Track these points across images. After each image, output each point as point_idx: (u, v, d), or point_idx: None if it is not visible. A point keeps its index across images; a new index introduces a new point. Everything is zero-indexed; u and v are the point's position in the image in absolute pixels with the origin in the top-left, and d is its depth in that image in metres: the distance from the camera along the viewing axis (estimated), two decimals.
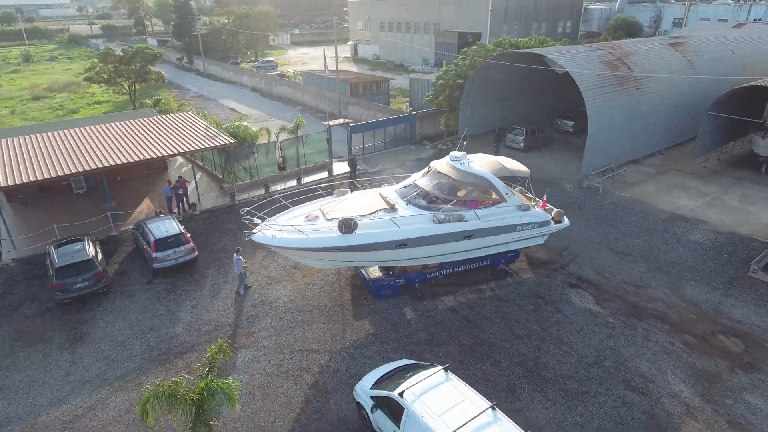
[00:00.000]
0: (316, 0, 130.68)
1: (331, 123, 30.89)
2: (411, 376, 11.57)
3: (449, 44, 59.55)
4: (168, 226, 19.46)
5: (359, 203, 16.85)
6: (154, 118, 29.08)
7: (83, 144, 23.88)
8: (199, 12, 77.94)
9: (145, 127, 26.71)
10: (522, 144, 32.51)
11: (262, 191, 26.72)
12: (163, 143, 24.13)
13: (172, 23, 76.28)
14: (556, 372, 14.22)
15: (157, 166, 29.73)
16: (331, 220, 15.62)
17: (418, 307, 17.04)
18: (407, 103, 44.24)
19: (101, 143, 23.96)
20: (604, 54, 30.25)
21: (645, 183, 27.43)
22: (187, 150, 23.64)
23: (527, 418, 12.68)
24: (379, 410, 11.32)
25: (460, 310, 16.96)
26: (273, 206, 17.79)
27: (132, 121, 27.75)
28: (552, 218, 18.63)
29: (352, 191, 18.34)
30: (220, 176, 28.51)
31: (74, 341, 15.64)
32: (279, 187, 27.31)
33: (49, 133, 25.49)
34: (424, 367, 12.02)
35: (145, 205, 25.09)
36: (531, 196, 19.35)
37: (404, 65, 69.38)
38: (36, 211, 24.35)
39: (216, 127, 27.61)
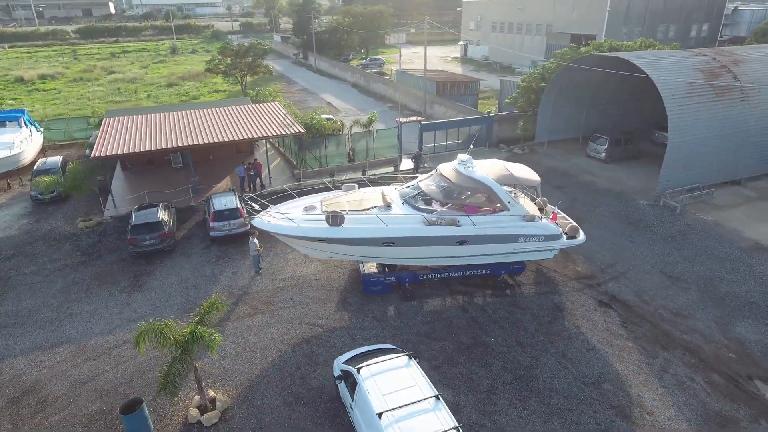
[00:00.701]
0: (434, 0, 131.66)
1: (402, 120, 31.78)
2: (378, 357, 12.18)
3: (560, 47, 56.90)
4: (228, 201, 21.92)
5: (358, 199, 17.36)
6: (248, 106, 32.38)
7: (185, 125, 27.55)
8: (320, 11, 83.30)
9: (238, 113, 29.89)
10: (603, 154, 30.56)
11: (327, 179, 28.53)
12: (244, 128, 26.96)
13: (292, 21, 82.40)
14: (546, 385, 13.77)
15: (245, 148, 33.06)
16: (325, 212, 16.21)
17: (426, 302, 17.37)
18: (496, 106, 43.55)
19: (198, 125, 27.45)
20: (706, 60, 27.23)
21: (736, 207, 24.39)
22: (258, 136, 26.17)
23: (496, 421, 12.58)
24: (342, 383, 12.13)
25: (472, 310, 16.97)
26: (279, 195, 19.18)
27: (229, 108, 31.25)
28: (565, 232, 17.59)
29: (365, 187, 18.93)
30: (294, 162, 30.95)
31: (133, 287, 18.55)
32: (344, 177, 28.91)
33: (164, 114, 29.73)
34: (398, 352, 12.55)
35: (225, 183, 28.21)
36: (548, 207, 18.42)
37: (512, 67, 67.68)
38: (139, 180, 28.65)
39: (294, 117, 30.01)
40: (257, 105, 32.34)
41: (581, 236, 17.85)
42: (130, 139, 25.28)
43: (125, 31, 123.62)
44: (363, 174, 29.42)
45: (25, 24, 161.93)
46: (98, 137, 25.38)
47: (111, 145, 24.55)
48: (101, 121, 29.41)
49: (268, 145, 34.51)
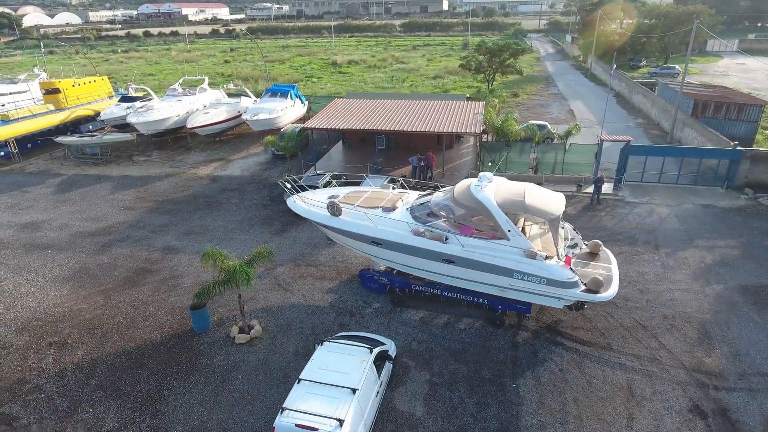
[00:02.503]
0: None
1: (606, 137, 28.07)
2: (354, 341, 13.03)
3: None
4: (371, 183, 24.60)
5: (374, 197, 17.54)
6: (458, 102, 34.07)
7: (395, 112, 31.17)
8: (615, 11, 75.70)
9: (442, 109, 31.88)
10: None
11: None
12: (432, 123, 28.82)
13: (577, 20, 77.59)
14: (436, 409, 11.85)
15: (448, 141, 34.90)
16: (330, 201, 16.99)
17: (476, 321, 16.35)
18: None
19: (404, 114, 30.60)
20: None
21: None
22: (434, 131, 27.79)
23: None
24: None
25: (522, 347, 15.26)
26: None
27: (439, 102, 33.59)
28: (584, 284, 14.28)
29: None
30: (478, 163, 31.28)
31: (279, 232, 23.21)
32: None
33: (386, 101, 34.26)
34: (375, 341, 13.33)
35: (404, 170, 30.86)
36: (603, 251, 16.18)
37: None
38: (346, 153, 34.04)
39: (491, 119, 30.17)
40: (464, 103, 33.67)
41: (606, 293, 14.24)
42: (343, 118, 30.39)
43: (439, 26, 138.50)
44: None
45: (375, 18, 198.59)
46: (319, 113, 31.44)
47: (324, 119, 30.22)
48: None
49: (473, 141, 35.64)
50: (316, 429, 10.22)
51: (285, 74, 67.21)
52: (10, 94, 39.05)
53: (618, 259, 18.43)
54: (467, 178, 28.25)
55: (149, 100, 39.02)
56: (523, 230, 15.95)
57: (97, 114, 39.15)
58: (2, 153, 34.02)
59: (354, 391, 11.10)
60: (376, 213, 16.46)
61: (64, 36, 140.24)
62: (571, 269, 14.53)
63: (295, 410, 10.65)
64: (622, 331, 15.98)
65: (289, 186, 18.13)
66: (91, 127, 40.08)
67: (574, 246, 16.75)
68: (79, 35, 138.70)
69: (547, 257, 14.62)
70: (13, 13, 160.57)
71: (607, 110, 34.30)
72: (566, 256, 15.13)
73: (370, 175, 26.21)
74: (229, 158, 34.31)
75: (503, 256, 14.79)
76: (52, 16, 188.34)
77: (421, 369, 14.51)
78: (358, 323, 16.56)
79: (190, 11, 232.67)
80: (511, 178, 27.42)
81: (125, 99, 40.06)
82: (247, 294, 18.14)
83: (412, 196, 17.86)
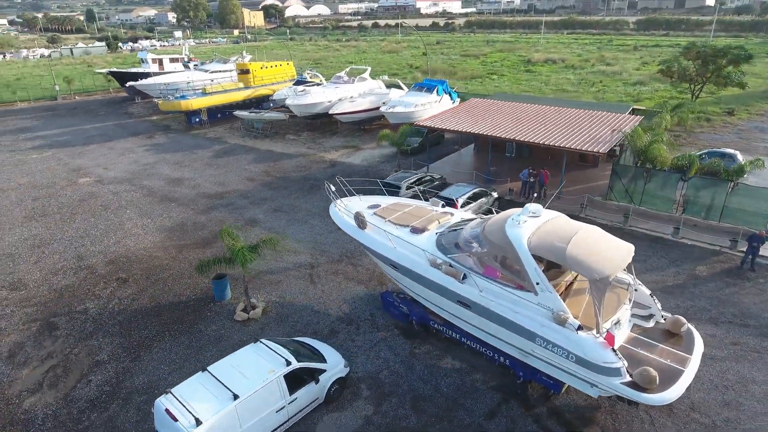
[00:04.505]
0: None
1: None
2: (296, 347, 13.06)
3: None
4: (454, 192, 22.74)
5: (413, 213, 15.75)
6: (613, 115, 28.95)
7: (530, 119, 28.25)
8: None
9: (590, 121, 27.65)
10: None
11: (619, 218, 23.07)
12: (561, 136, 25.16)
13: None
14: None
15: (591, 159, 30.00)
16: (356, 212, 15.47)
17: (424, 347, 13.84)
18: None
19: (539, 122, 27.52)
20: None
21: None
22: (554, 145, 24.20)
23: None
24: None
25: (441, 366, 12.53)
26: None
27: (589, 112, 29.16)
28: (630, 373, 10.71)
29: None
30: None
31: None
32: (641, 226, 22.51)
33: (523, 104, 31.38)
34: (316, 356, 13.06)
35: (512, 185, 27.49)
36: (686, 328, 12.30)
37: None
38: (474, 157, 32.11)
39: (630, 137, 24.86)
40: (616, 115, 28.47)
41: (659, 394, 10.52)
42: (461, 119, 28.78)
43: (684, 24, 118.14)
44: (674, 234, 21.85)
45: (614, 14, 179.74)
46: (445, 112, 30.25)
47: (438, 119, 29.02)
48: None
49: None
50: (177, 420, 10.23)
51: (470, 69, 66.25)
52: (221, 72, 47.47)
53: (725, 350, 14.28)
54: (539, 197, 23.92)
55: (317, 85, 42.95)
56: (569, 287, 12.87)
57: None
58: (197, 119, 41.82)
59: (236, 397, 10.71)
60: (402, 233, 14.65)
61: (311, 25, 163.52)
62: (614, 350, 10.90)
63: (176, 396, 10.82)
64: None
65: (333, 188, 16.81)
66: (272, 104, 46.17)
67: (648, 318, 12.86)
68: (321, 25, 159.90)
69: (581, 327, 11.21)
70: (280, 5, 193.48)
71: None
72: (607, 332, 11.22)
73: (460, 184, 24.34)
74: (361, 147, 35.68)
75: (525, 314, 11.84)
76: (308, 8, 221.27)
77: (370, 402, 13.10)
78: (347, 333, 15.76)
79: (423, 4, 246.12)
80: (641, 215, 22.69)
81: (299, 83, 44.89)
82: (275, 276, 18.96)
83: (455, 219, 15.61)
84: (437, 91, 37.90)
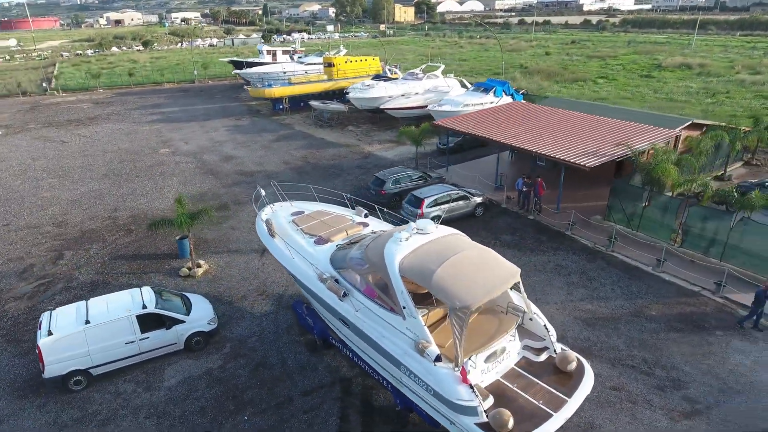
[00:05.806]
0: None
1: None
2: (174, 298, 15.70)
3: None
4: (429, 191, 22.95)
5: (329, 222, 15.09)
6: (655, 128, 25.88)
7: (568, 127, 26.54)
8: None
9: (629, 133, 25.05)
10: None
11: (605, 241, 21.09)
12: (581, 149, 23.48)
13: None
14: None
15: (627, 169, 26.89)
16: (267, 218, 15.35)
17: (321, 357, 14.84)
18: None
19: (575, 131, 25.72)
20: None
21: None
22: (559, 158, 22.74)
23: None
24: None
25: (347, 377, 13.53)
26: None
27: (642, 126, 26.19)
28: (486, 412, 9.70)
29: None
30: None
31: None
32: (624, 253, 20.34)
33: (576, 113, 29.30)
34: (185, 307, 15.48)
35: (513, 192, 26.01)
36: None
37: None
38: (501, 161, 31.06)
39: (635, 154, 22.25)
40: (649, 128, 25.41)
41: None
42: (486, 123, 28.15)
43: None
44: (656, 266, 19.35)
45: None
46: (465, 115, 30.02)
47: (462, 122, 28.86)
48: None
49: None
50: (39, 329, 13.46)
51: (581, 72, 61.65)
52: (314, 64, 51.96)
53: (596, 392, 12.69)
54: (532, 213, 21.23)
55: (391, 80, 44.77)
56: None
57: None
58: (281, 106, 46.71)
59: (87, 323, 13.52)
60: (307, 243, 14.12)
61: (456, 21, 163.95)
62: (471, 387, 9.88)
63: (54, 314, 14.02)
64: None
65: (263, 193, 16.46)
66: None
67: (541, 351, 11.46)
68: (467, 21, 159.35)
69: (439, 358, 10.20)
70: (432, 1, 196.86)
71: None
72: (462, 367, 10.07)
73: (445, 185, 24.41)
74: (404, 143, 36.67)
75: (392, 339, 11.13)
76: (461, 3, 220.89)
77: (221, 359, 15.03)
78: (253, 300, 17.82)
79: (587, 0, 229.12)
80: (632, 242, 20.27)
81: (377, 77, 47.10)
82: (237, 245, 21.68)
83: (366, 231, 14.70)
84: (494, 92, 37.06)
